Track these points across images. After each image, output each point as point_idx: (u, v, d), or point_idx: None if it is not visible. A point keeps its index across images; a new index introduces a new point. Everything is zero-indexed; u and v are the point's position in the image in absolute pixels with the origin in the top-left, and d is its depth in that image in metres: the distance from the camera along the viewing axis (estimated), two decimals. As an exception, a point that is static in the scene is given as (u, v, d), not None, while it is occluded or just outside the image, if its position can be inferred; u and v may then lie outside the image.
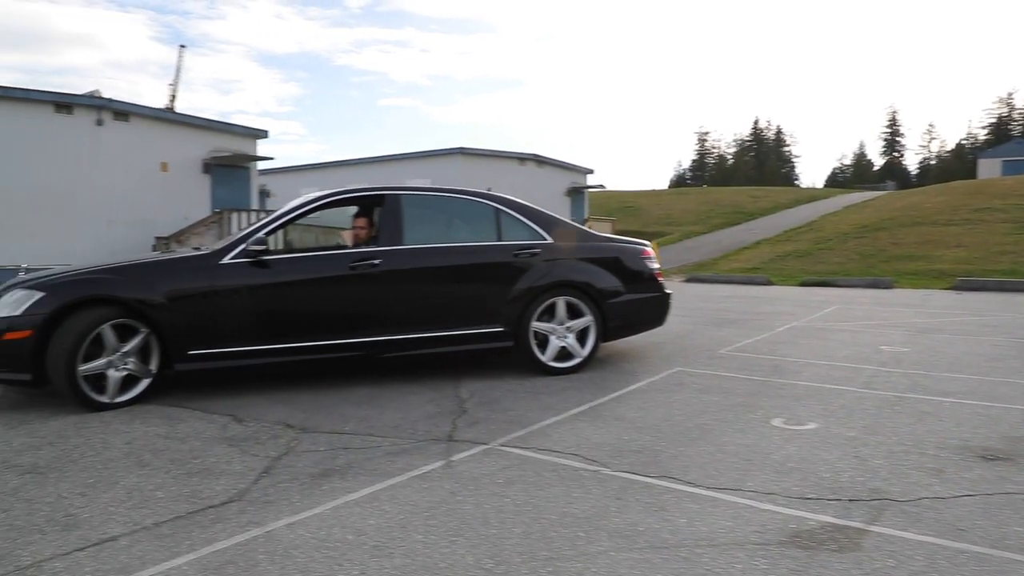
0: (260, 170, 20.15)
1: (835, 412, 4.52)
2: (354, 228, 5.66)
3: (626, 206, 44.22)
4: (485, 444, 3.83)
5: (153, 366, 4.71)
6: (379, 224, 5.41)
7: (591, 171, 31.43)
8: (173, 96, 43.09)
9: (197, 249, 5.39)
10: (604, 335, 5.77)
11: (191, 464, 3.52)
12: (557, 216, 6.09)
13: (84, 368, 4.43)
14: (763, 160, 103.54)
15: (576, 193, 30.30)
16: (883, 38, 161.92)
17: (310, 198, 5.38)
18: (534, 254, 5.59)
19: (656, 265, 6.25)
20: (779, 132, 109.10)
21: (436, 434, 4.03)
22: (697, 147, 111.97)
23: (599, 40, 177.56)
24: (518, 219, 5.72)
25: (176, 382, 5.05)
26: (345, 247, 5.54)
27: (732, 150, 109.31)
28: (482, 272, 5.50)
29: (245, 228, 5.36)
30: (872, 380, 5.50)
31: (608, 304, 5.74)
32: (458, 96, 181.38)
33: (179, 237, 15.38)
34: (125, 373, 4.62)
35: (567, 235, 5.82)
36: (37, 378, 4.47)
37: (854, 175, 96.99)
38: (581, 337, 5.71)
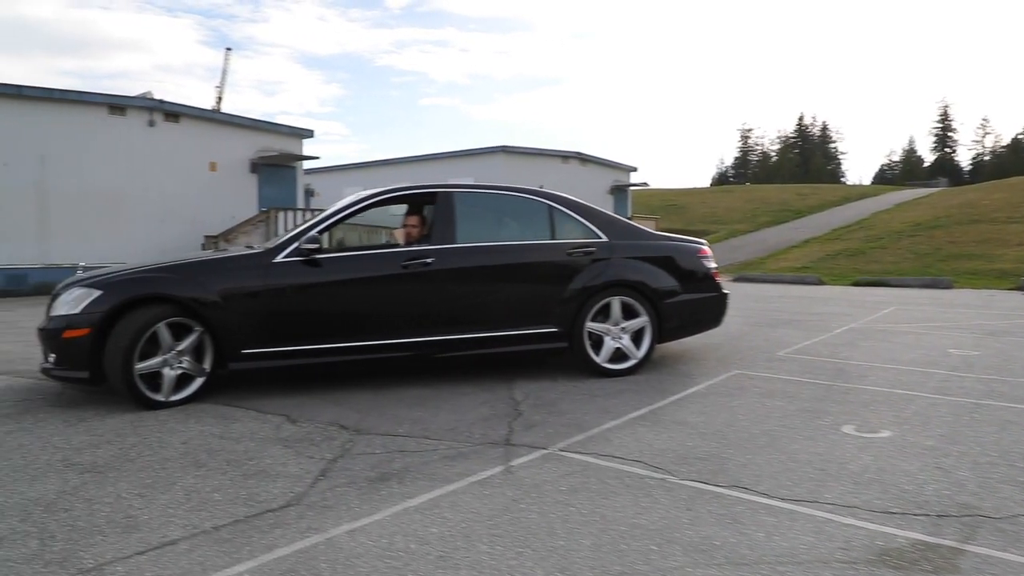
0: (305, 169, 20.33)
1: (909, 419, 4.29)
2: (406, 226, 5.58)
3: (669, 204, 43.73)
4: (544, 449, 3.71)
5: (207, 365, 4.70)
6: (431, 222, 5.32)
7: (634, 169, 31.05)
8: (219, 98, 43.97)
9: (250, 248, 5.38)
10: (660, 336, 5.61)
11: (247, 465, 3.47)
12: (612, 214, 5.95)
13: (140, 366, 4.43)
14: (808, 157, 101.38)
15: (619, 191, 29.97)
16: (934, 29, 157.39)
17: (363, 196, 5.32)
18: (588, 253, 5.45)
19: (713, 264, 6.06)
20: (824, 128, 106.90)
21: (493, 437, 3.92)
22: (740, 144, 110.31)
23: (638, 36, 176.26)
24: (572, 217, 5.59)
25: (227, 381, 5.04)
26: (397, 245, 5.47)
27: (776, 147, 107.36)
28: (536, 271, 5.38)
29: (297, 226, 5.33)
30: (944, 385, 5.24)
31: (664, 304, 5.57)
32: (497, 95, 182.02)
33: (227, 236, 15.58)
34: (180, 372, 4.62)
35: (622, 233, 5.66)
36: (95, 376, 4.49)
37: (903, 172, 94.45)
38: (636, 338, 5.55)
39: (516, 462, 3.50)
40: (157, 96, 16.92)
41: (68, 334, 4.46)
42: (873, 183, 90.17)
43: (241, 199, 17.38)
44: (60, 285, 4.94)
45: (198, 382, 4.68)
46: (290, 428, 4.13)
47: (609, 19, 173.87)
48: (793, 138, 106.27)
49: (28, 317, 9.98)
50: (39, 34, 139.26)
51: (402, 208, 5.91)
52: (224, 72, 39.65)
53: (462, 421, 4.26)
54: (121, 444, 3.81)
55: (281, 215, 16.00)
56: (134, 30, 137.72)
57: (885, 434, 3.98)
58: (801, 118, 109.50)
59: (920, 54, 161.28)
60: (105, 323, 4.43)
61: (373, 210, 5.35)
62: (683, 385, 5.23)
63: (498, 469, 3.40)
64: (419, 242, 5.39)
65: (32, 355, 6.26)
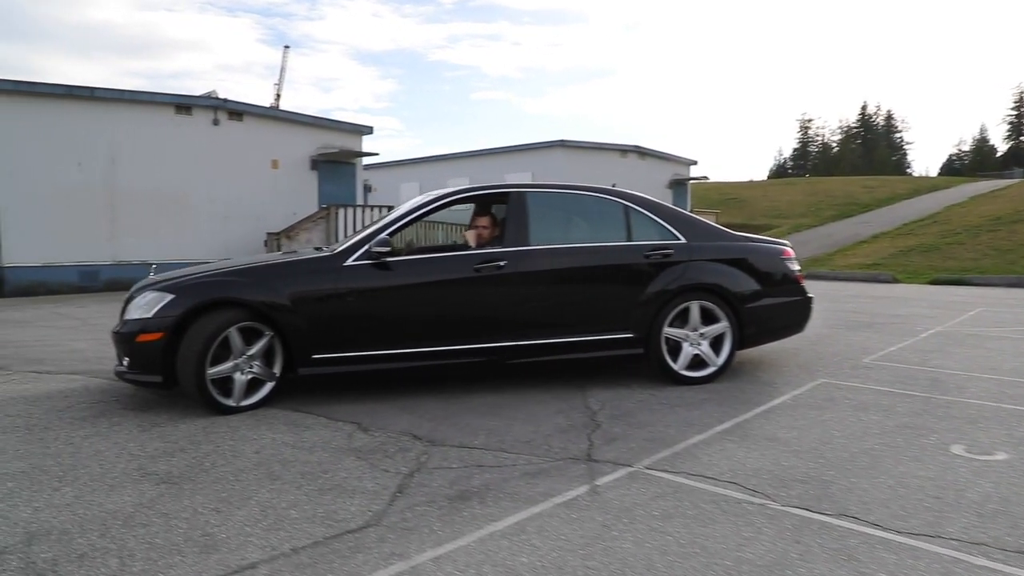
0: (363, 165, 20.41)
1: (1025, 439, 3.94)
2: (476, 227, 5.40)
3: (729, 198, 42.74)
4: (629, 466, 3.51)
5: (277, 370, 4.63)
6: (504, 224, 5.15)
7: (694, 162, 30.32)
8: (278, 95, 44.76)
9: (318, 249, 5.30)
10: (741, 342, 5.33)
11: (322, 479, 3.36)
12: (690, 214, 5.68)
13: (212, 371, 4.39)
14: (871, 148, 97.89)
15: (678, 185, 29.33)
16: (1006, 10, 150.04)
17: (434, 196, 5.18)
18: (666, 255, 5.20)
19: (797, 267, 5.75)
20: (889, 117, 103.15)
21: (573, 452, 3.74)
22: (799, 135, 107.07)
23: (691, 26, 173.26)
24: (649, 217, 5.34)
25: (293, 385, 4.97)
26: (467, 247, 5.31)
27: (837, 138, 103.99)
28: (611, 274, 5.16)
29: (366, 227, 5.22)
30: (1057, 399, 4.83)
31: (745, 309, 5.29)
32: (550, 88, 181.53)
33: (288, 233, 15.72)
34: (250, 377, 4.56)
35: (701, 234, 5.39)
36: (167, 380, 4.46)
37: (973, 162, 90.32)
38: (716, 344, 5.28)
39: (601, 481, 3.31)
40: (220, 95, 17.19)
41: (141, 338, 4.44)
42: (940, 174, 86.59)
43: (302, 196, 17.53)
44: (133, 288, 4.94)
45: (268, 387, 4.63)
46: (362, 437, 4.02)
47: (662, 9, 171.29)
48: (856, 128, 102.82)
49: (100, 314, 10.22)
50: (108, 37, 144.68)
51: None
52: (282, 70, 40.38)
53: (538, 432, 4.09)
54: (195, 452, 3.75)
55: (341, 212, 16.06)
56: (196, 30, 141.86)
57: (1001, 456, 3.65)
58: (864, 107, 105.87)
59: (992, 37, 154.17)
60: (178, 327, 4.40)
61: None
62: (767, 395, 4.95)
63: (583, 489, 3.21)
64: (490, 244, 5.22)
65: (105, 353, 6.34)
